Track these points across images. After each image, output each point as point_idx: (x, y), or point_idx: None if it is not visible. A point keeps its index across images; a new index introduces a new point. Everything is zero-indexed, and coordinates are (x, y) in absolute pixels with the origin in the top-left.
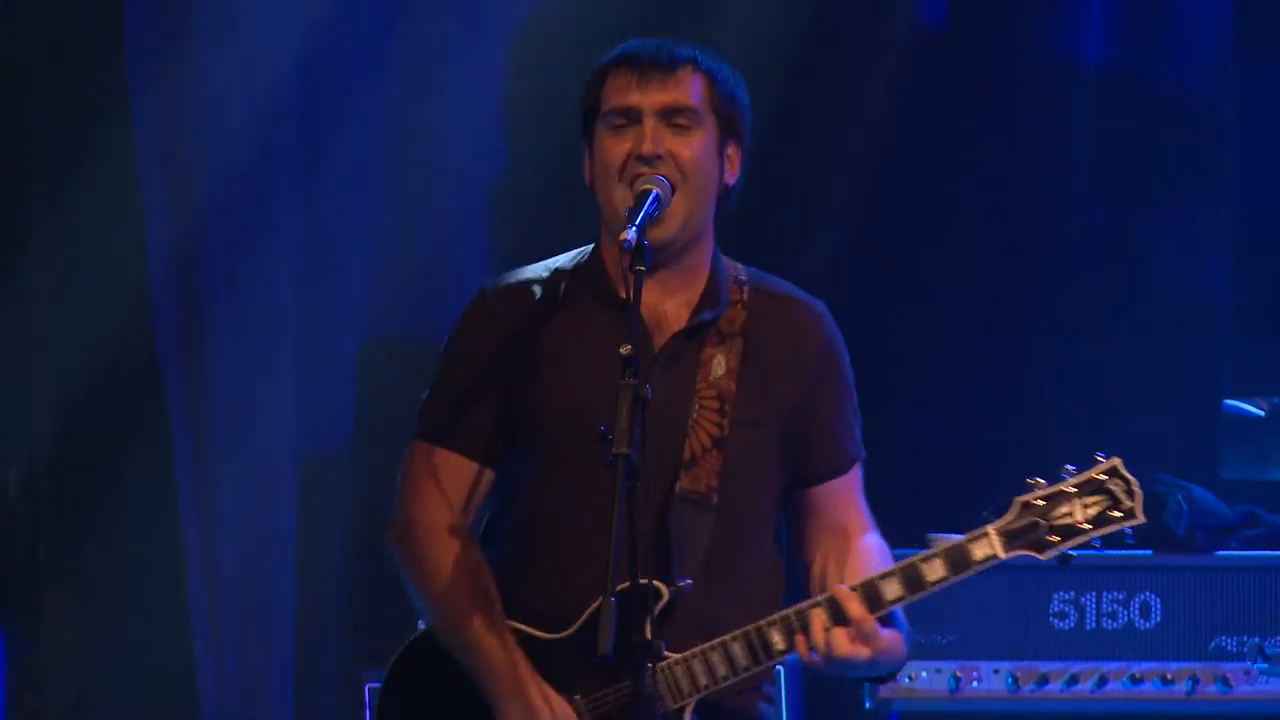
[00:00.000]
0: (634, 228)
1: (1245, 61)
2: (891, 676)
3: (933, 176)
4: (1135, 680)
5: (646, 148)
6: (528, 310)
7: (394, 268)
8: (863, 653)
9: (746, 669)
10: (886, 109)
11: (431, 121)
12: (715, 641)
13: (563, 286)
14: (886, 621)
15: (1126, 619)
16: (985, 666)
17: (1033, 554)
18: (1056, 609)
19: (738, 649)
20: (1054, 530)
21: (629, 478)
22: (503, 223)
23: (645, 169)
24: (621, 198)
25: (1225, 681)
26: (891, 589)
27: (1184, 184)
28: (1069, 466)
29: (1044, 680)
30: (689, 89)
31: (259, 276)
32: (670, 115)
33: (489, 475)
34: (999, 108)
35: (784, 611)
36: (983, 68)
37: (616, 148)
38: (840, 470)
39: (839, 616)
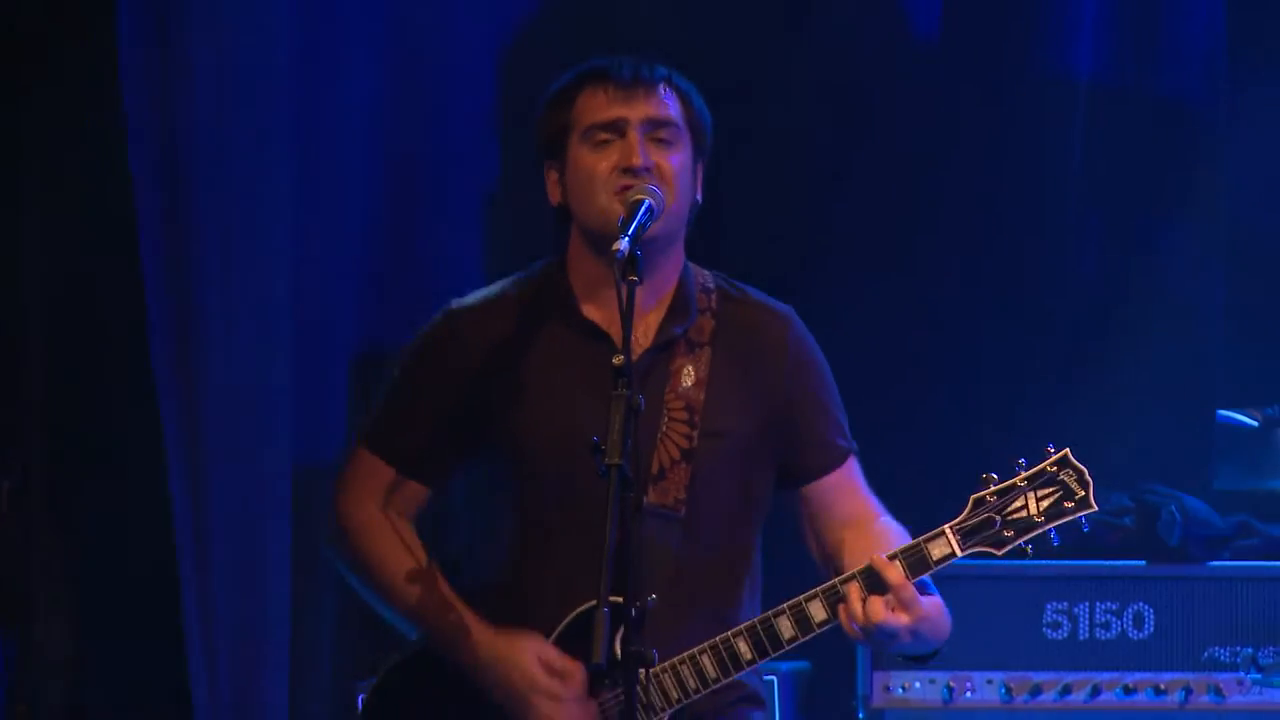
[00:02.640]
0: (627, 238)
1: (1239, 71)
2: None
3: (926, 185)
4: (1128, 691)
5: (636, 160)
6: (492, 332)
7: (387, 282)
8: (903, 620)
9: (751, 662)
10: (879, 119)
11: (425, 135)
12: (714, 640)
13: (529, 307)
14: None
15: (1120, 629)
16: (978, 677)
17: (990, 551)
18: (1050, 619)
19: (742, 644)
20: (1009, 525)
21: (622, 488)
22: (497, 237)
23: (633, 180)
24: (611, 209)
25: (1219, 692)
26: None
27: (1178, 194)
28: (1020, 460)
29: (1037, 691)
30: (670, 104)
31: (254, 289)
32: (654, 128)
33: (418, 489)
34: (993, 118)
35: (808, 594)
36: (976, 78)
37: (601, 162)
38: (833, 464)
39: (878, 587)
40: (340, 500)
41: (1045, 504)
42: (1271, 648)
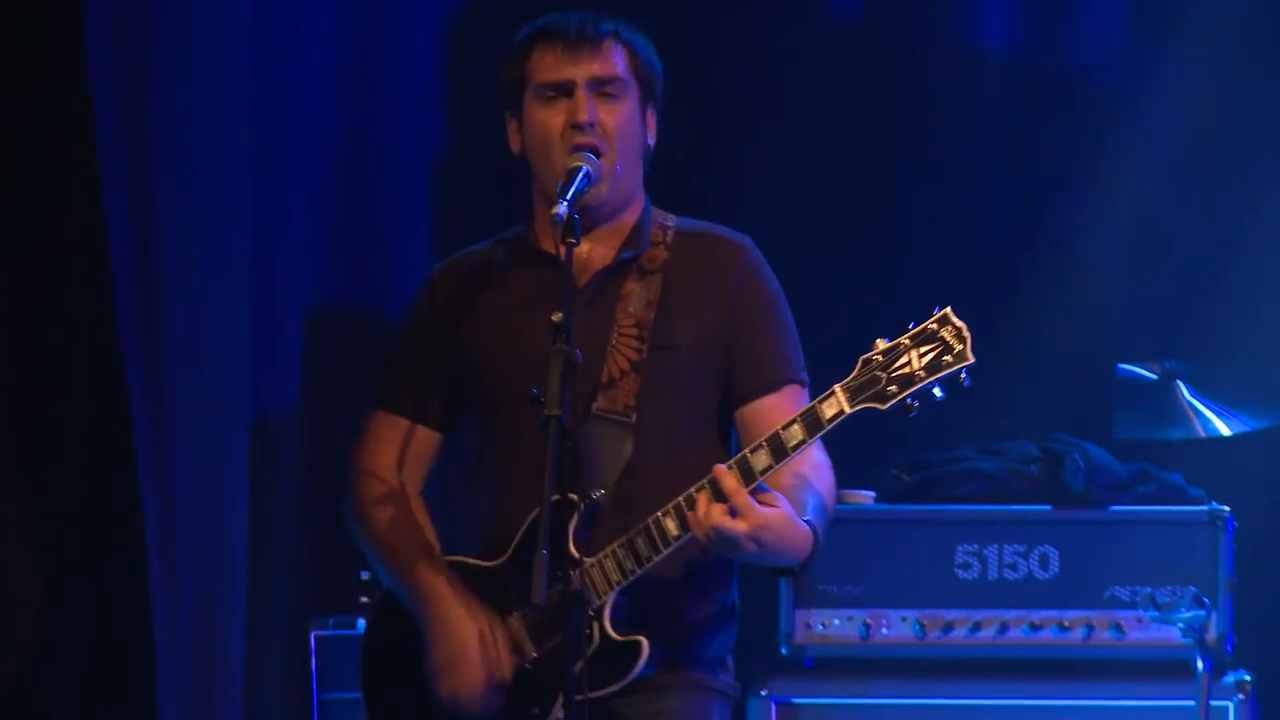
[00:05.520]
0: (565, 203)
1: (1136, 48)
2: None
3: (847, 156)
4: (1034, 628)
5: (581, 116)
6: (465, 280)
7: (340, 242)
8: (740, 527)
9: (649, 559)
10: (801, 94)
11: (373, 108)
12: (621, 539)
13: (499, 255)
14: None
15: (1026, 570)
16: (894, 615)
17: (876, 406)
18: (960, 560)
19: (640, 542)
20: (893, 381)
21: (561, 437)
22: (443, 197)
23: (581, 136)
24: (560, 163)
25: (1119, 629)
26: (760, 460)
27: (1082, 164)
28: (910, 324)
29: (949, 628)
30: (615, 60)
31: (213, 250)
32: (599, 85)
33: (424, 433)
34: (909, 93)
35: (676, 500)
36: (894, 54)
37: (553, 118)
38: (770, 387)
39: (720, 495)
40: (352, 461)
41: (927, 359)
42: (1169, 587)
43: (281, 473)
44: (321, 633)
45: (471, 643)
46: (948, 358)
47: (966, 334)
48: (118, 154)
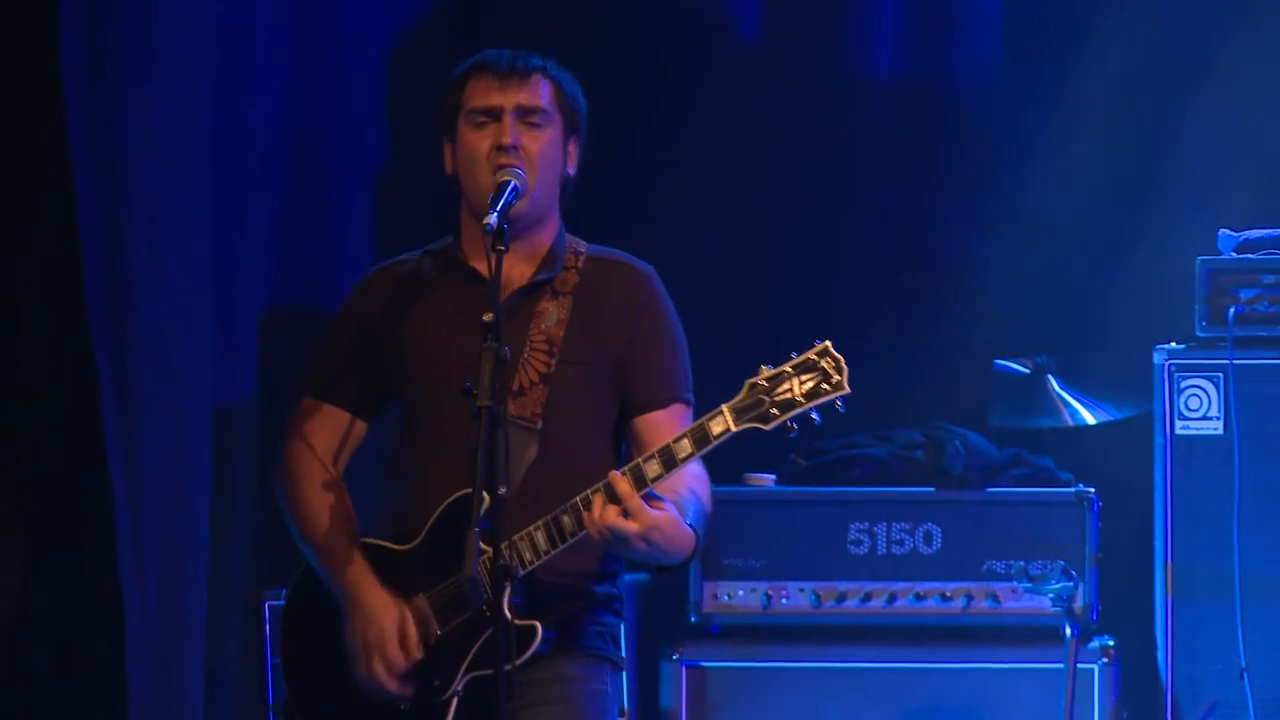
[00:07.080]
0: (495, 213)
1: (1011, 69)
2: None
3: (740, 165)
4: (919, 598)
5: (506, 139)
6: (397, 285)
7: (291, 246)
8: (632, 527)
9: (548, 552)
10: (704, 114)
11: (322, 120)
12: (522, 532)
13: (427, 266)
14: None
15: (912, 546)
16: (792, 586)
17: (759, 426)
18: (853, 537)
19: (540, 536)
20: (775, 405)
21: (491, 425)
22: (383, 208)
23: (505, 158)
24: (486, 182)
25: (995, 599)
26: (652, 468)
27: (962, 175)
28: (793, 353)
29: (842, 598)
30: (540, 92)
31: (177, 252)
32: (525, 114)
33: (357, 424)
34: (805, 110)
35: (574, 499)
36: (791, 75)
37: (481, 141)
38: (660, 403)
39: (614, 497)
40: (288, 444)
41: (807, 387)
42: (1040, 561)
43: (240, 456)
44: (276, 604)
45: (392, 630)
46: (826, 386)
47: (844, 366)
48: (90, 162)
